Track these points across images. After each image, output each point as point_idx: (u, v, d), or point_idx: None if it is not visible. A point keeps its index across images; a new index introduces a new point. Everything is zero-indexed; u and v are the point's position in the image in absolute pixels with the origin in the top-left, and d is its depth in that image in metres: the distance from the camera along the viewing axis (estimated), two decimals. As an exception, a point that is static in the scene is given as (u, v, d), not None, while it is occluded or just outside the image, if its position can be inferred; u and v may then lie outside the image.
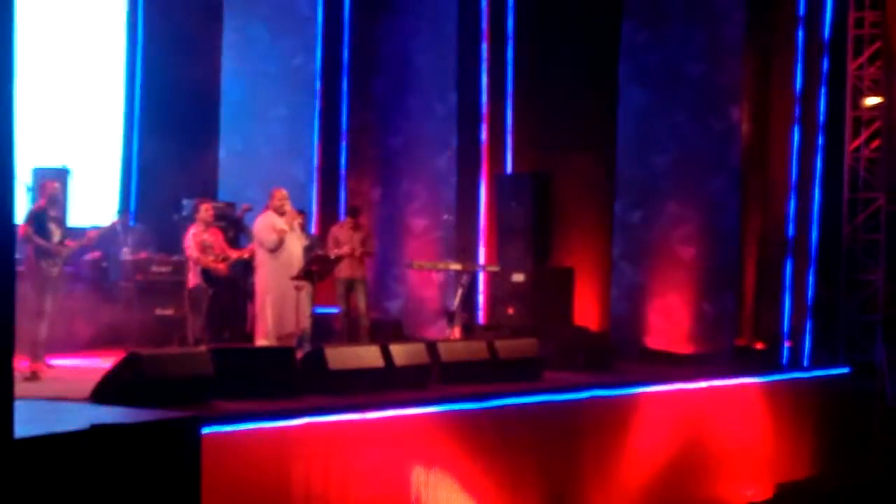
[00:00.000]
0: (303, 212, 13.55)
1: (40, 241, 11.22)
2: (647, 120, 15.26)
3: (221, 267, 12.71)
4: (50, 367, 11.25)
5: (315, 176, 16.72)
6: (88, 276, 13.80)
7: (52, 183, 11.75)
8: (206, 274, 12.62)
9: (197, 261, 12.61)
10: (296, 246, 12.51)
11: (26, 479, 6.58)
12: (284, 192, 12.67)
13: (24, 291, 10.89)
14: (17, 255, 11.01)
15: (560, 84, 15.98)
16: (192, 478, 7.73)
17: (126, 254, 13.85)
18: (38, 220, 11.31)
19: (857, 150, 15.25)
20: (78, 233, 12.19)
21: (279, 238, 12.28)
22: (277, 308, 12.25)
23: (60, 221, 11.53)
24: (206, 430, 8.02)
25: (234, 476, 8.33)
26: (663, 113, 15.17)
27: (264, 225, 12.45)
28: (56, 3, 15.20)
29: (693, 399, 12.57)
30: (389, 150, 16.89)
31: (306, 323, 12.43)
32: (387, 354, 10.73)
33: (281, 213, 12.46)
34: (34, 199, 12.63)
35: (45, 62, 14.84)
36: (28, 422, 6.83)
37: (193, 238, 12.65)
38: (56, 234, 11.34)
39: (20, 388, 6.87)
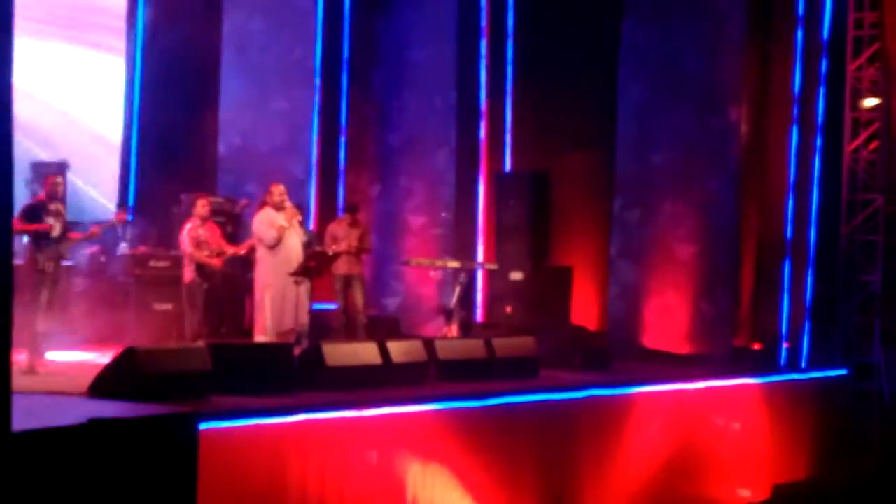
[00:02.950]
0: (300, 207, 13.52)
1: (30, 231, 11.19)
2: (646, 118, 15.26)
3: (216, 262, 12.67)
4: (46, 361, 11.23)
5: (314, 172, 16.68)
6: (86, 271, 13.78)
7: (54, 177, 11.75)
8: (201, 269, 12.59)
9: (191, 256, 12.58)
10: (295, 242, 12.48)
11: (24, 472, 6.59)
12: (282, 187, 12.64)
13: (21, 284, 10.87)
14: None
15: (559, 82, 15.97)
16: (189, 473, 7.73)
17: (124, 248, 13.83)
18: (34, 212, 11.28)
19: (855, 151, 15.23)
20: (81, 226, 12.19)
21: (278, 234, 12.26)
22: (276, 304, 12.24)
23: (61, 215, 11.49)
24: (203, 426, 8.02)
25: (231, 471, 8.31)
26: (662, 111, 15.17)
27: (263, 221, 12.43)
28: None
29: (691, 399, 12.56)
30: (388, 147, 16.88)
31: (305, 319, 12.41)
32: (384, 351, 10.72)
33: (279, 208, 12.43)
34: (33, 193, 12.65)
35: (44, 56, 14.81)
36: (26, 415, 6.83)
37: (189, 233, 12.63)
38: (56, 228, 11.31)
39: (18, 382, 6.85)
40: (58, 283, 11.44)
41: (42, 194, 11.56)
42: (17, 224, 11.07)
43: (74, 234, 11.67)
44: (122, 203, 15.33)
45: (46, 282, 11.21)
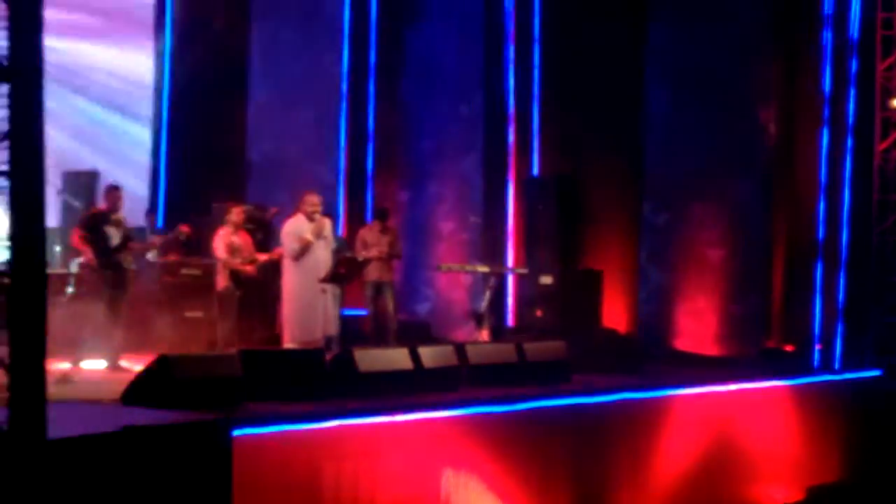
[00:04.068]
0: (329, 215, 13.53)
1: (89, 245, 11.46)
2: (674, 121, 15.23)
3: (250, 269, 12.74)
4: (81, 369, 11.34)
5: (342, 178, 16.74)
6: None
7: (117, 190, 11.94)
8: (235, 276, 12.65)
9: (225, 263, 12.64)
10: (323, 252, 12.50)
11: (59, 479, 6.62)
12: (317, 198, 12.63)
13: (84, 293, 11.30)
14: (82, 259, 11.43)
15: (586, 85, 15.95)
16: (223, 480, 7.75)
17: (155, 256, 13.90)
18: (93, 223, 11.56)
19: (886, 151, 15.14)
20: (140, 238, 12.40)
21: (301, 248, 12.29)
22: (303, 314, 12.27)
23: (121, 225, 11.73)
24: (236, 433, 8.04)
25: (265, 478, 8.33)
26: (690, 114, 15.13)
27: (290, 231, 12.47)
28: (86, 5, 15.26)
29: (723, 401, 12.51)
30: (416, 153, 16.91)
31: (332, 330, 12.42)
32: (415, 357, 10.72)
33: (311, 218, 12.46)
34: (63, 202, 12.83)
35: (75, 66, 14.90)
36: (61, 423, 6.86)
37: (222, 240, 12.69)
38: (115, 238, 11.55)
39: (53, 390, 6.90)
40: (119, 292, 11.62)
41: (104, 205, 11.93)
42: (76, 234, 11.48)
43: (134, 245, 11.89)
44: (150, 209, 15.40)
45: (104, 291, 11.43)
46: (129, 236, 11.81)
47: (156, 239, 12.62)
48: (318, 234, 12.42)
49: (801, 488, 13.22)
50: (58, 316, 10.24)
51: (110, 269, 11.56)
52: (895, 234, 15.03)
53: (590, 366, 12.62)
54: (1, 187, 6.72)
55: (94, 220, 11.73)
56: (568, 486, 10.80)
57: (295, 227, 12.48)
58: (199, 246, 13.90)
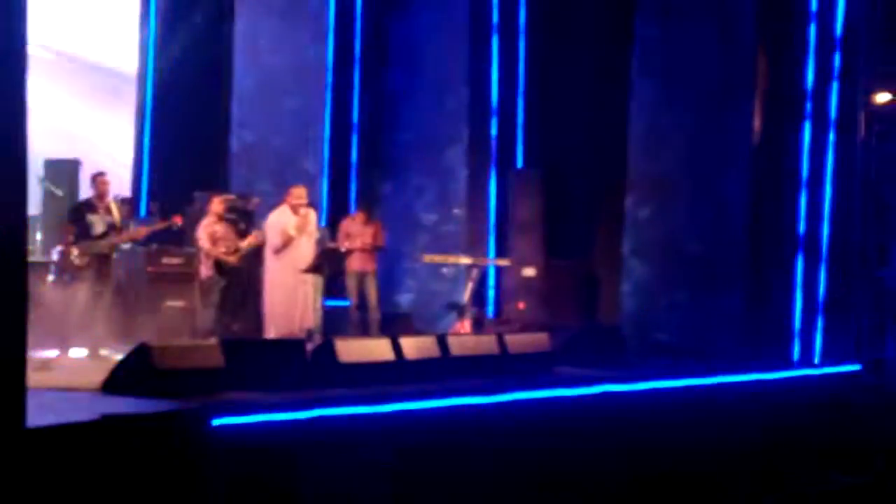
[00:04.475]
0: (312, 205, 13.51)
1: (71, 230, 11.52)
2: (658, 115, 15.25)
3: (233, 259, 12.73)
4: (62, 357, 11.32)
5: (326, 169, 16.72)
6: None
7: (101, 176, 11.90)
8: (218, 266, 12.64)
9: (208, 253, 12.63)
10: (305, 244, 12.51)
11: (38, 468, 6.61)
12: (303, 191, 12.68)
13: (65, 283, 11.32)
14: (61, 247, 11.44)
15: (571, 78, 15.97)
16: (202, 468, 7.75)
17: (136, 245, 13.85)
18: (76, 213, 11.55)
19: (867, 146, 15.18)
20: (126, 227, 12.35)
21: (283, 243, 12.31)
22: (283, 306, 12.29)
23: (109, 213, 11.69)
24: (215, 422, 8.04)
25: (244, 467, 8.33)
26: (674, 108, 15.15)
27: (274, 224, 12.48)
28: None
29: (706, 394, 12.52)
30: (400, 144, 16.91)
31: (311, 323, 12.44)
32: (397, 347, 10.72)
33: (296, 211, 12.47)
34: (45, 190, 12.80)
35: (58, 54, 14.86)
36: (40, 411, 6.86)
37: (205, 230, 12.68)
38: (98, 227, 11.50)
39: (32, 378, 6.89)
40: (99, 280, 11.58)
41: (91, 195, 11.86)
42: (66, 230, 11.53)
43: (121, 234, 11.82)
44: (153, 204, 15.33)
45: (81, 279, 11.40)
46: (114, 225, 11.74)
47: (142, 229, 12.55)
48: (302, 230, 12.43)
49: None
50: (39, 304, 10.25)
51: (91, 257, 11.52)
52: (876, 228, 15.09)
53: (572, 358, 12.64)
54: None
55: (76, 210, 11.73)
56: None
57: (279, 220, 12.48)
58: (181, 234, 13.89)
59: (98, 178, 11.93)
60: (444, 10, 16.60)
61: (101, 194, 11.79)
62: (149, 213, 15.05)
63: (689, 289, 14.83)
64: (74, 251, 11.54)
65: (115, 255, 12.08)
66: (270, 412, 8.71)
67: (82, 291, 11.50)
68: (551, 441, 10.81)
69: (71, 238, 11.73)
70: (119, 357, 9.62)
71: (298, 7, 16.62)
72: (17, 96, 6.62)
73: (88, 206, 11.74)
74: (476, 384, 10.72)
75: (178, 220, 12.69)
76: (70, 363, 11.10)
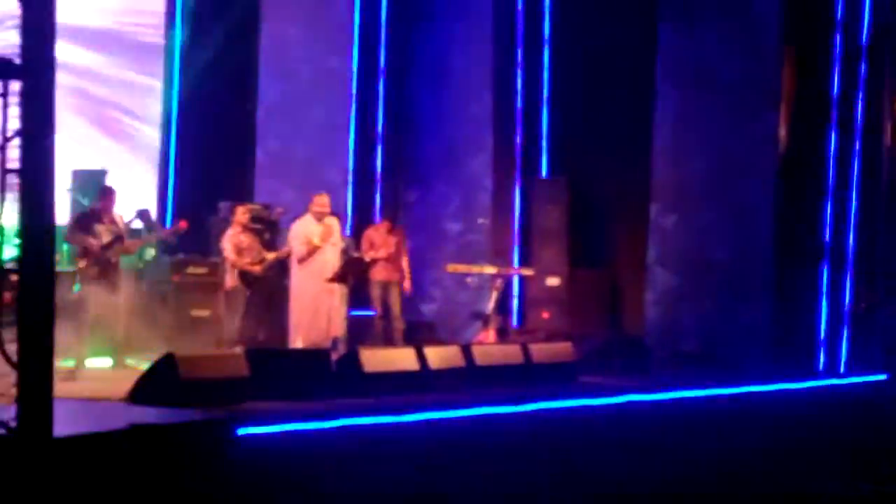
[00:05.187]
0: (336, 214, 13.54)
1: (78, 241, 11.46)
2: (683, 123, 15.21)
3: (258, 269, 12.76)
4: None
5: (350, 178, 16.76)
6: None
7: (110, 190, 11.98)
8: (244, 276, 12.68)
9: (234, 263, 12.67)
10: (330, 253, 12.54)
11: (65, 477, 6.65)
12: (326, 198, 12.72)
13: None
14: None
15: (595, 87, 15.96)
16: (227, 478, 7.78)
17: (162, 255, 13.90)
18: (84, 222, 11.55)
19: (894, 153, 15.13)
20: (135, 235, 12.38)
21: (307, 252, 12.36)
22: (308, 316, 12.32)
23: (115, 224, 11.71)
24: (241, 431, 8.07)
25: (269, 476, 8.35)
26: (699, 116, 15.12)
27: (298, 233, 12.52)
28: (96, 5, 15.30)
29: (731, 404, 12.49)
30: (425, 153, 16.93)
31: (338, 331, 12.47)
32: (421, 357, 10.74)
33: (319, 219, 12.51)
34: (73, 200, 12.84)
35: (85, 65, 14.95)
36: (67, 421, 6.89)
37: (230, 240, 12.72)
38: (104, 236, 11.52)
39: (59, 387, 6.93)
40: (111, 290, 11.58)
41: (100, 204, 11.85)
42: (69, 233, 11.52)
43: (128, 244, 11.83)
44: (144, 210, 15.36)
45: (91, 288, 11.40)
46: (120, 235, 11.73)
47: (149, 236, 12.57)
48: (326, 239, 12.47)
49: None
50: (65, 313, 10.28)
51: (98, 267, 11.49)
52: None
53: (597, 368, 12.64)
54: (12, 184, 6.77)
55: (84, 219, 11.71)
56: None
57: (303, 229, 12.52)
58: (206, 243, 13.94)
59: (105, 192, 11.94)
60: (469, 20, 16.61)
61: (107, 207, 11.78)
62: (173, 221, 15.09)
63: (714, 298, 14.78)
64: (83, 262, 11.51)
65: (140, 266, 12.09)
66: (295, 422, 8.75)
67: (100, 302, 11.46)
68: (576, 451, 10.82)
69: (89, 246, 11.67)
70: (145, 366, 9.67)
71: (323, 17, 16.67)
72: (46, 107, 6.69)
73: (94, 215, 11.71)
74: (500, 394, 10.74)
75: (183, 226, 12.67)
76: (96, 373, 11.14)
